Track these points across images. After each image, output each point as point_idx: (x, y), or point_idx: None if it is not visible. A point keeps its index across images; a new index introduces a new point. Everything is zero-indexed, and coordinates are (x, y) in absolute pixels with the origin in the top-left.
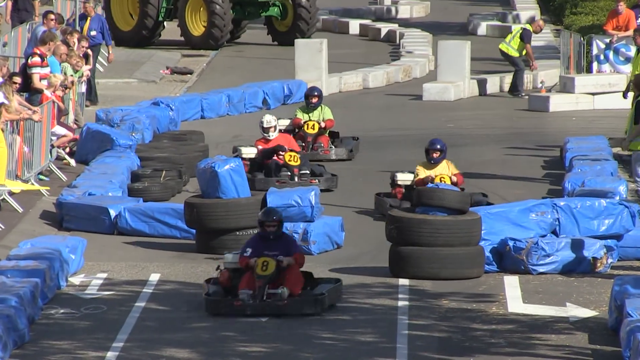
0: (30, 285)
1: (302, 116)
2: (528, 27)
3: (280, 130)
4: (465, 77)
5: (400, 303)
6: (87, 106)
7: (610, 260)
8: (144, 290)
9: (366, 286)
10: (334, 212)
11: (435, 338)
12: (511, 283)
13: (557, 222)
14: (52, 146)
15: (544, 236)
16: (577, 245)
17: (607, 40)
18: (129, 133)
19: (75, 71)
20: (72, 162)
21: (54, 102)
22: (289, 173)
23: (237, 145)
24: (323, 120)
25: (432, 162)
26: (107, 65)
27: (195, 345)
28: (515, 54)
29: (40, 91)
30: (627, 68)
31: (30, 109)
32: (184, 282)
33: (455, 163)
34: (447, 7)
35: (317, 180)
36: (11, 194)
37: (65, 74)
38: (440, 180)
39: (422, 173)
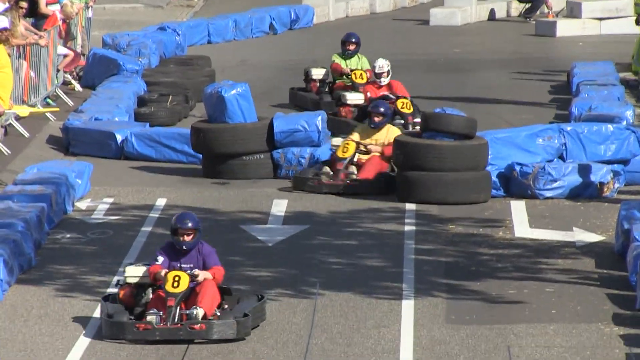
0: (36, 210)
1: (341, 62)
2: None
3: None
4: (472, 1)
5: (407, 228)
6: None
7: (616, 185)
8: (150, 214)
9: (373, 211)
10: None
11: (441, 263)
12: (518, 208)
13: (563, 147)
14: (58, 69)
15: (550, 161)
16: (583, 170)
17: None
18: (136, 58)
19: None
20: (79, 87)
21: (59, 27)
22: (403, 121)
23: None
24: (363, 70)
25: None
26: None
27: None
28: None
29: (46, 16)
30: None
31: (36, 34)
32: (190, 207)
33: (462, 88)
34: None
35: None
36: (18, 118)
37: (71, 1)
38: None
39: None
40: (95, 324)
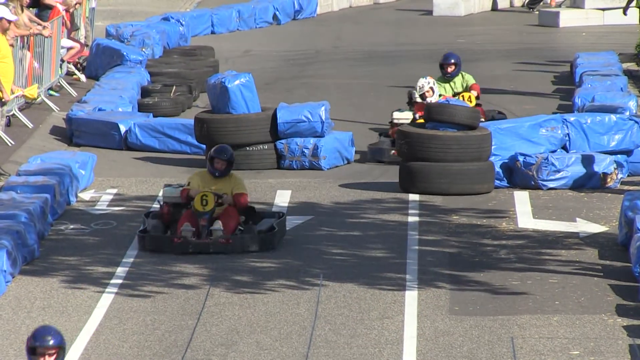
0: (40, 201)
1: (442, 88)
2: None
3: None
4: None
5: (411, 219)
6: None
7: (620, 176)
8: (153, 205)
9: (376, 201)
10: (345, 128)
11: (445, 253)
12: (521, 198)
13: (567, 138)
14: (62, 60)
15: (554, 151)
16: (587, 161)
17: None
18: (139, 48)
19: None
20: (82, 77)
21: (63, 17)
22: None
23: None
24: (469, 89)
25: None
26: None
27: (205, 261)
28: None
29: (50, 7)
30: None
31: (40, 24)
32: None
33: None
34: None
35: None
36: (21, 109)
37: None
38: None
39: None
40: (99, 315)
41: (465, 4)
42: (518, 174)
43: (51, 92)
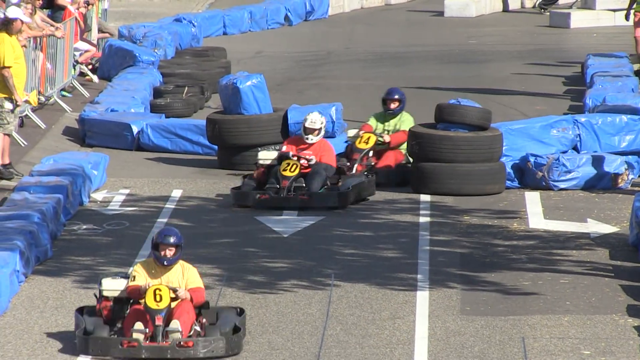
0: (52, 202)
1: (374, 124)
2: None
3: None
4: None
5: (422, 219)
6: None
7: (631, 177)
8: (166, 206)
9: (388, 202)
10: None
11: (456, 254)
12: (532, 199)
13: (578, 138)
14: (76, 62)
15: (565, 152)
16: (598, 161)
17: None
18: (152, 49)
19: None
20: (95, 78)
21: (76, 18)
22: (277, 186)
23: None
24: (391, 132)
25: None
26: None
27: (218, 261)
28: None
29: (63, 7)
30: None
31: (52, 25)
32: (206, 198)
33: (477, 79)
34: None
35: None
36: (34, 110)
37: None
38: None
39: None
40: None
41: (476, 5)
42: (529, 175)
43: (64, 93)
